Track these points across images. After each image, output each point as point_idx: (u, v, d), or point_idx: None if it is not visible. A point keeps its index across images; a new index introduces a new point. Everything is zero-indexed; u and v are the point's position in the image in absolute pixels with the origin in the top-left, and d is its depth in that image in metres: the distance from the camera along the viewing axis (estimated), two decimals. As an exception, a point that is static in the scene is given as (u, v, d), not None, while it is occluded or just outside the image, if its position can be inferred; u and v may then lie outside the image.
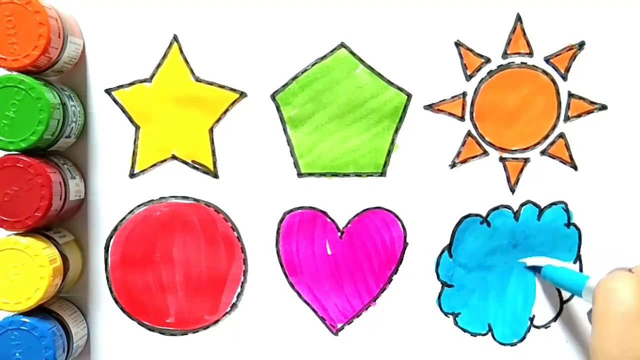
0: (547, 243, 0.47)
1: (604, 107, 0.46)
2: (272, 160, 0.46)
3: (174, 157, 0.45)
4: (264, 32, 0.45)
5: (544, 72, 0.45)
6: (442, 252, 0.47)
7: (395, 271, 0.47)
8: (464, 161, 0.46)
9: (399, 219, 0.46)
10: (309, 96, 0.45)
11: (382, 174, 0.46)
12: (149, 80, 0.45)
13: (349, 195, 0.46)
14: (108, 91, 0.45)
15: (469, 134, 0.46)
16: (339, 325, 0.47)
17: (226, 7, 0.44)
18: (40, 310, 0.42)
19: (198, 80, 0.45)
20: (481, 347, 0.47)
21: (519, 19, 0.45)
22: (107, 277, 0.46)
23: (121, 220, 0.45)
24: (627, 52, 0.45)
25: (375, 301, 0.47)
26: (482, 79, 0.45)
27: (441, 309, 0.47)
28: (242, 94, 0.45)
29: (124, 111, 0.45)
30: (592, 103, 0.46)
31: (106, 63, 0.44)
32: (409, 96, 0.45)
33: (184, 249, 0.46)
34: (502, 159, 0.46)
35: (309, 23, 0.45)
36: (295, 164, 0.46)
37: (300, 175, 0.46)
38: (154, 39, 0.44)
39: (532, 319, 0.47)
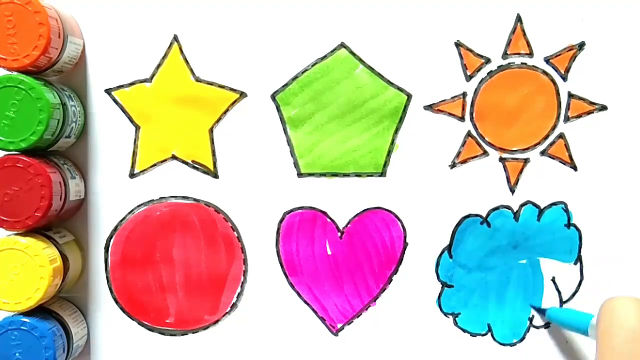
0: (547, 243, 0.47)
1: (604, 108, 0.46)
2: (272, 160, 0.45)
3: (174, 157, 0.45)
4: (264, 32, 0.45)
5: (544, 72, 0.45)
6: (442, 252, 0.46)
7: (395, 271, 0.47)
8: (464, 161, 0.46)
9: (399, 219, 0.46)
10: (309, 96, 0.45)
11: (382, 174, 0.46)
12: (149, 80, 0.45)
13: (349, 195, 0.46)
14: (108, 91, 0.45)
15: (469, 134, 0.46)
16: (339, 326, 0.47)
17: (226, 7, 0.44)
18: (40, 310, 0.42)
19: (198, 80, 0.45)
20: (481, 347, 0.47)
21: (519, 19, 0.45)
22: (107, 277, 0.46)
23: (121, 220, 0.45)
24: (627, 53, 0.45)
25: (375, 301, 0.47)
26: (482, 79, 0.45)
27: (441, 309, 0.47)
28: (242, 94, 0.45)
29: (124, 111, 0.45)
30: (592, 103, 0.46)
31: (106, 63, 0.44)
32: (409, 96, 0.45)
33: (184, 249, 0.46)
34: (502, 159, 0.46)
35: (309, 23, 0.45)
36: (295, 164, 0.46)
37: (300, 175, 0.46)
38: (154, 39, 0.44)
39: (531, 319, 0.47)
